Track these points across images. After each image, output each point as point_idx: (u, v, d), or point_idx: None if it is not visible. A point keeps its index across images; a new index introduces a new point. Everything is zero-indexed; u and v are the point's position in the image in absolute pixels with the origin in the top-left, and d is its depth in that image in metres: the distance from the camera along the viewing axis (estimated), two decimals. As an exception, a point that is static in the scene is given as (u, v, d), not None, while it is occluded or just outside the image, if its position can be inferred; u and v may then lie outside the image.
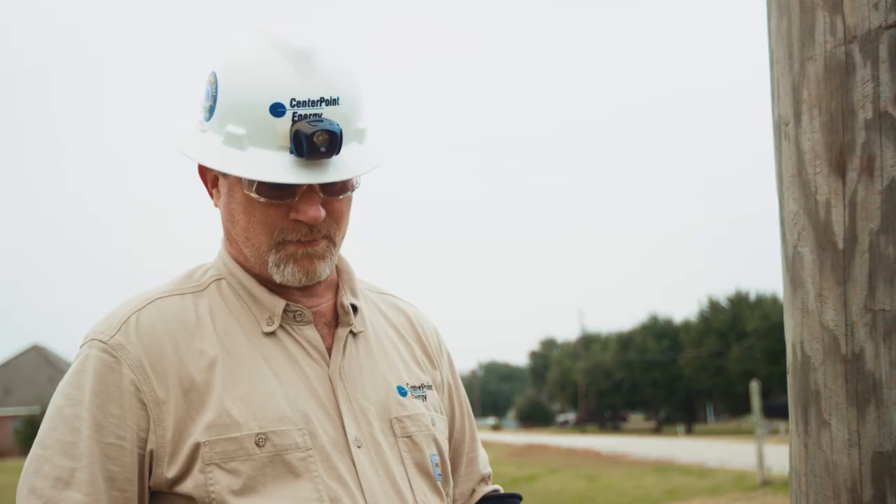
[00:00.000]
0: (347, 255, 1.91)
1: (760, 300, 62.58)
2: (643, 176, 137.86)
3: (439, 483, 1.84)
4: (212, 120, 1.73)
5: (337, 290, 1.86)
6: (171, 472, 1.65)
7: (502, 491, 2.08)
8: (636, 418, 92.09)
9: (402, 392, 1.85)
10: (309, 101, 1.66)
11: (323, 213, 1.70)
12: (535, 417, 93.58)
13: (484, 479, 2.07)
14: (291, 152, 1.64)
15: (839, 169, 1.48)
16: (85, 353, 1.70)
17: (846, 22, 1.48)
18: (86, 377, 1.67)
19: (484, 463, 2.08)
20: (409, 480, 1.77)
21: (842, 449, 1.48)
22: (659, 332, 69.54)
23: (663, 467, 27.27)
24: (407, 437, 1.80)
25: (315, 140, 1.62)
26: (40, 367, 68.89)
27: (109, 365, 1.67)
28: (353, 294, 1.87)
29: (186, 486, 1.65)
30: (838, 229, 1.48)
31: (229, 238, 1.81)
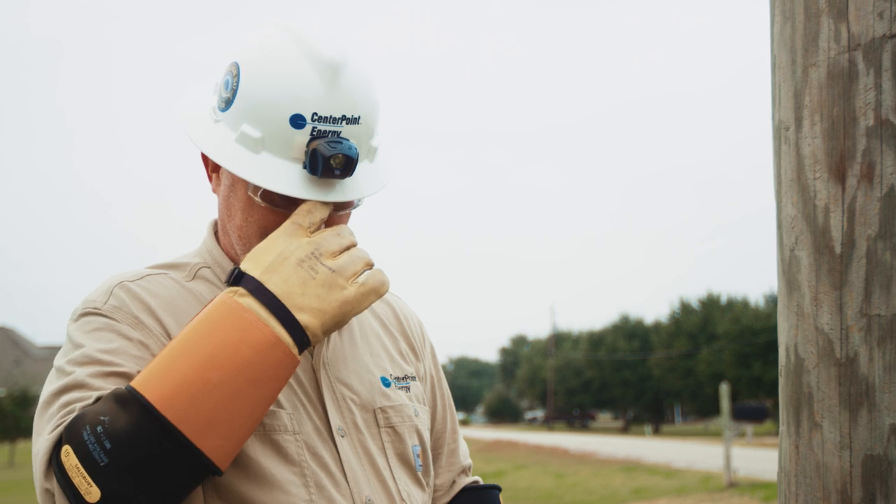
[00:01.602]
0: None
1: (731, 303, 62.92)
2: (621, 179, 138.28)
3: (420, 474, 1.85)
4: (227, 112, 1.68)
5: None
6: None
7: (482, 482, 2.10)
8: (604, 417, 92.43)
9: (386, 383, 1.86)
10: (331, 117, 1.62)
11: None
12: (503, 414, 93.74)
13: (464, 471, 2.08)
14: (305, 167, 1.62)
15: (839, 175, 1.50)
16: (79, 321, 1.66)
17: (851, 30, 1.50)
18: (83, 333, 1.63)
19: (464, 454, 2.09)
20: (390, 471, 1.78)
21: (833, 451, 1.49)
22: (630, 332, 69.78)
23: (630, 467, 27.40)
24: (390, 427, 1.81)
25: (332, 162, 1.59)
26: (7, 349, 68.36)
27: (107, 323, 1.64)
28: None
29: None
30: (836, 234, 1.50)
31: (224, 230, 1.79)
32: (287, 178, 1.62)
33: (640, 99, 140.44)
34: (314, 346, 1.78)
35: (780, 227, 1.62)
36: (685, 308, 64.74)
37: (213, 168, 1.78)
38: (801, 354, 1.55)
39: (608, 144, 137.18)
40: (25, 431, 42.17)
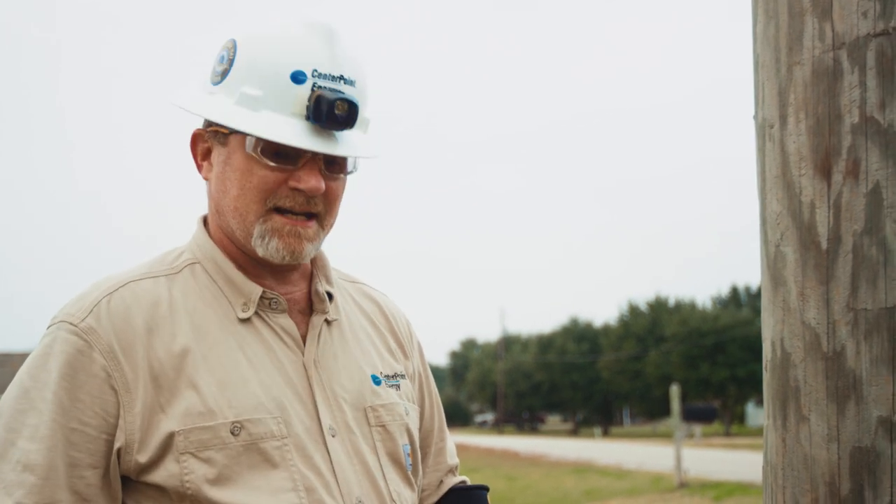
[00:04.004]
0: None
1: (679, 306, 63.54)
2: (574, 185, 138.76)
3: (410, 473, 1.84)
4: (223, 83, 1.71)
5: (311, 277, 1.86)
6: (143, 458, 1.62)
7: (469, 482, 2.09)
8: (553, 420, 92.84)
9: (377, 381, 1.84)
10: (330, 75, 1.67)
11: (323, 185, 1.70)
12: (453, 417, 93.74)
13: (451, 470, 2.07)
14: (307, 119, 1.65)
15: (825, 171, 1.52)
16: (53, 334, 1.66)
17: (835, 28, 1.52)
18: (54, 360, 1.63)
19: (451, 454, 2.08)
20: (381, 470, 1.77)
21: (820, 443, 1.51)
22: (579, 334, 70.21)
23: (581, 468, 27.55)
24: (381, 426, 1.80)
25: (336, 109, 1.64)
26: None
27: (80, 349, 1.63)
28: (328, 282, 1.86)
29: (158, 476, 1.62)
30: (822, 230, 1.52)
31: (218, 211, 1.77)
32: (290, 130, 1.65)
33: (602, 109, 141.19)
34: (305, 345, 1.77)
35: (764, 223, 1.64)
36: (633, 311, 65.30)
37: (202, 156, 1.78)
38: (787, 349, 1.57)
39: (564, 152, 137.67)
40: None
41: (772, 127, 1.61)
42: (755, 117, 1.68)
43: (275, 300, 1.76)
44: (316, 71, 1.66)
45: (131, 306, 1.69)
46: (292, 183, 1.69)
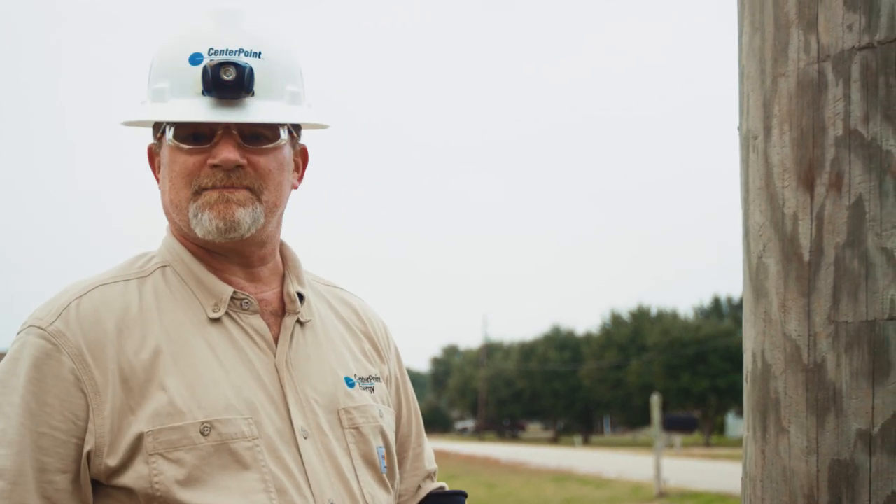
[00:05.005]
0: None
1: (661, 315, 63.69)
2: (555, 189, 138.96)
3: (385, 475, 1.84)
4: (147, 90, 1.76)
5: (283, 278, 1.85)
6: (113, 461, 1.61)
7: (447, 488, 2.09)
8: (534, 428, 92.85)
9: (350, 383, 1.84)
10: (227, 49, 1.69)
11: (238, 156, 1.69)
12: (434, 424, 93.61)
13: (429, 476, 2.07)
14: (203, 94, 1.67)
15: (808, 183, 1.52)
16: (22, 339, 1.66)
17: (820, 41, 1.52)
18: (21, 364, 1.63)
19: (430, 459, 2.08)
20: (355, 472, 1.77)
21: (800, 456, 1.51)
22: (561, 343, 70.26)
23: (561, 477, 27.56)
24: (354, 428, 1.80)
25: (223, 73, 1.65)
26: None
27: (48, 352, 1.63)
28: (300, 283, 1.86)
29: (127, 478, 1.61)
30: (805, 242, 1.52)
31: (166, 213, 1.80)
32: (189, 108, 1.68)
33: (588, 116, 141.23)
34: (277, 346, 1.77)
35: (746, 234, 1.64)
36: (616, 320, 65.43)
37: (158, 168, 1.81)
38: (768, 360, 1.57)
39: (549, 159, 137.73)
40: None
41: (756, 138, 1.61)
42: (739, 128, 1.68)
43: (246, 301, 1.76)
44: (212, 49, 1.69)
45: (100, 309, 1.69)
46: (210, 161, 1.70)
